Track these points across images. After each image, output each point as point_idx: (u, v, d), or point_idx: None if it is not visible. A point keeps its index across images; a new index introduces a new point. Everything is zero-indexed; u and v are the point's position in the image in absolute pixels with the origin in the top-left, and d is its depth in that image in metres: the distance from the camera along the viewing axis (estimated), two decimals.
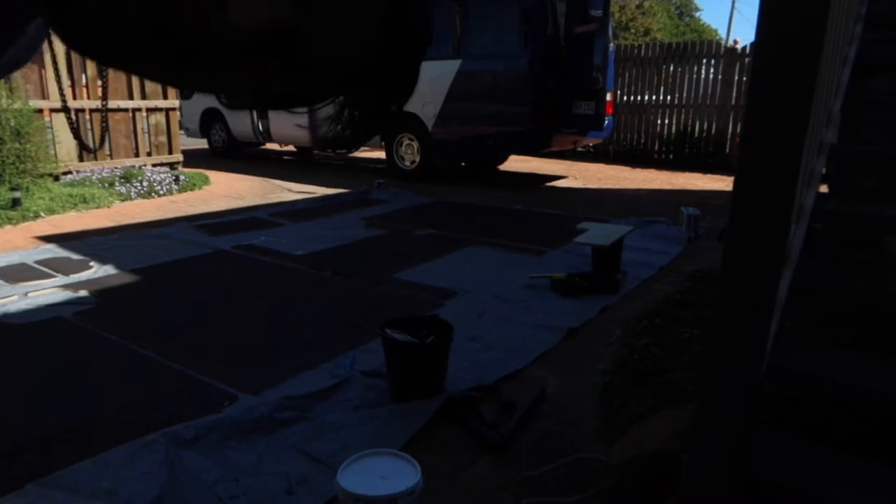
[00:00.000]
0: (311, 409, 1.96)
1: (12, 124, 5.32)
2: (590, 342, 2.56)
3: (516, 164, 8.77)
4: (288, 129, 8.20)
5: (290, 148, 10.77)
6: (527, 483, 1.63)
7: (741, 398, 1.15)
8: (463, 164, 8.03)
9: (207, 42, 0.32)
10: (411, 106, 7.03)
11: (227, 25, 0.32)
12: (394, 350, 2.02)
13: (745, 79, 8.08)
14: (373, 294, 3.17)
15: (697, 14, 34.16)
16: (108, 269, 3.46)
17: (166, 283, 3.26)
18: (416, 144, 7.10)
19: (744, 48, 8.17)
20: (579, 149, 8.83)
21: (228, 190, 6.50)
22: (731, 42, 9.76)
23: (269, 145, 10.27)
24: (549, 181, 7.40)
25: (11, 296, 2.98)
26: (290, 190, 6.51)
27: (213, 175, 7.37)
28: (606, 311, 2.92)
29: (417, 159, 7.14)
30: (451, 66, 6.70)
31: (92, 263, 3.56)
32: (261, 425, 1.84)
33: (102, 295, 3.04)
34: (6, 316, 2.75)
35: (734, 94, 8.27)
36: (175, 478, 1.57)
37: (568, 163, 9.23)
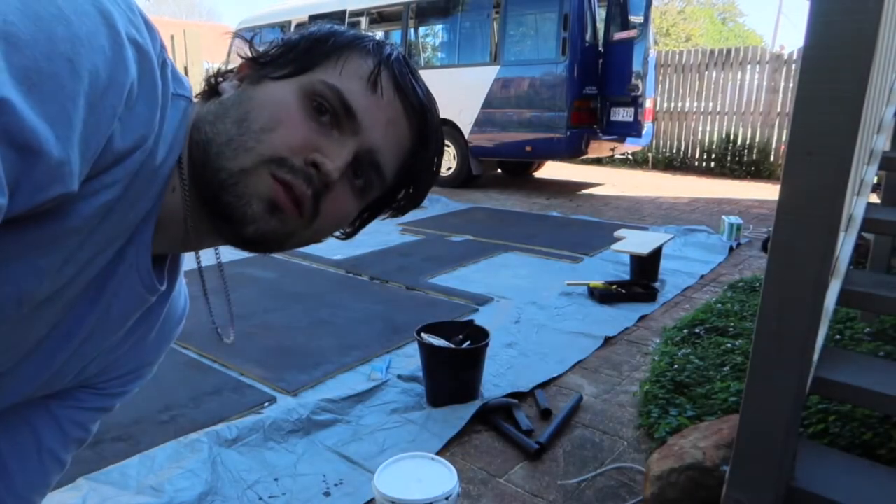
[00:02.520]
0: (348, 412, 1.99)
1: None
2: (628, 351, 2.53)
3: (553, 170, 8.73)
4: None
5: None
6: (563, 491, 1.62)
7: (785, 411, 1.12)
8: (499, 170, 8.03)
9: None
10: (448, 112, 7.07)
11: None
12: (430, 354, 2.03)
13: (791, 85, 7.89)
14: (409, 299, 3.19)
15: (741, 20, 33.49)
16: None
17: (208, 286, 3.33)
18: (452, 150, 7.13)
19: (790, 54, 7.98)
20: (617, 156, 8.74)
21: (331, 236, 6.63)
22: (776, 48, 9.55)
23: None
24: (587, 188, 7.34)
25: None
26: None
27: None
28: (645, 320, 2.88)
29: (454, 165, 7.16)
30: (488, 73, 6.72)
31: None
32: (299, 427, 1.87)
33: None
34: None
35: (780, 101, 8.07)
36: (217, 476, 1.61)
37: (606, 170, 9.15)
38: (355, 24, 8.12)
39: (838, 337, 2.30)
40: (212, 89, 0.62)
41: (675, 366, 2.19)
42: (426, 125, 0.64)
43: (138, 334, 0.71)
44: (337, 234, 0.67)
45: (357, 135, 0.58)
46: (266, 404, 2.05)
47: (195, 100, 0.59)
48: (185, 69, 7.18)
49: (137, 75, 0.47)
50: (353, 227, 0.70)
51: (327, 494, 1.60)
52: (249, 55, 0.62)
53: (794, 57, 7.86)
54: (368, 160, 0.60)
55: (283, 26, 8.78)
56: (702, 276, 3.57)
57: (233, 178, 0.54)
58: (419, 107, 0.63)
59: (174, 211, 0.57)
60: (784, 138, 8.06)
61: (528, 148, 6.57)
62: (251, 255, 3.93)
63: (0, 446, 0.70)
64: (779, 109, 8.07)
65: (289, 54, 0.60)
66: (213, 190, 0.55)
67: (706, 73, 8.67)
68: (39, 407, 0.71)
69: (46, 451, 0.72)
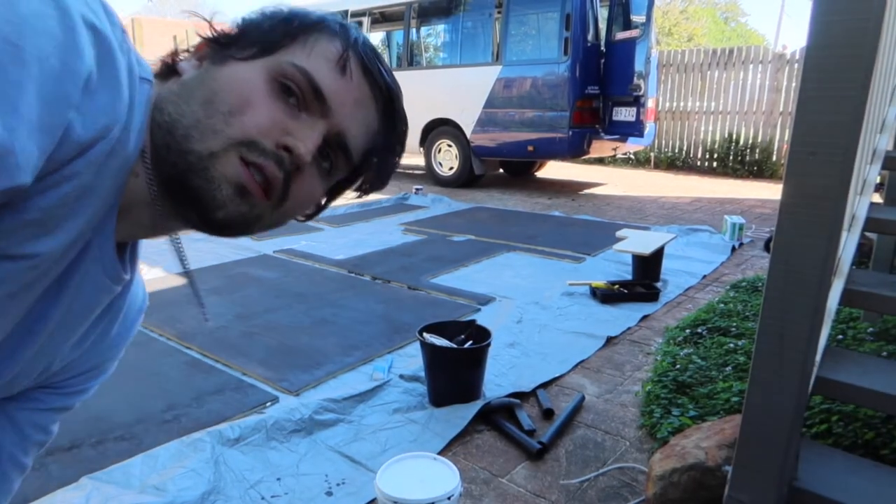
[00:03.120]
0: (350, 412, 1.99)
1: None
2: (630, 351, 2.53)
3: (555, 170, 8.73)
4: None
5: None
6: (565, 491, 1.62)
7: (788, 411, 1.12)
8: (501, 170, 8.03)
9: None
10: (450, 112, 7.08)
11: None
12: (432, 354, 2.03)
13: (794, 85, 7.87)
14: (411, 298, 3.19)
15: (743, 19, 33.42)
16: (158, 272, 3.57)
17: (211, 286, 3.34)
18: (454, 150, 7.13)
19: (792, 54, 7.97)
20: (619, 155, 8.74)
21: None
22: (779, 48, 9.52)
23: None
24: (589, 188, 7.34)
25: None
26: None
27: None
28: (647, 320, 2.88)
29: (456, 165, 7.16)
30: (490, 73, 6.72)
31: (141, 265, 3.67)
32: (302, 426, 1.88)
33: (151, 296, 3.12)
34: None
35: (782, 101, 8.06)
36: (220, 475, 1.61)
37: (608, 169, 9.14)
38: (357, 25, 8.12)
39: (841, 337, 2.30)
40: (169, 68, 0.60)
41: (678, 366, 2.19)
42: (392, 108, 0.64)
43: (101, 328, 0.69)
44: (299, 216, 0.66)
45: (326, 117, 0.58)
46: (268, 404, 2.05)
47: (153, 80, 0.57)
48: None
49: (96, 61, 0.45)
50: (316, 209, 0.69)
51: (329, 494, 1.60)
52: (209, 34, 0.60)
53: (797, 57, 7.85)
54: (337, 142, 0.60)
55: None
56: (704, 276, 3.56)
57: (202, 162, 0.53)
58: (386, 89, 0.62)
59: (136, 196, 0.55)
60: (787, 138, 8.05)
61: (530, 148, 6.57)
62: (253, 254, 3.94)
63: None
64: (781, 109, 8.06)
65: (252, 34, 0.58)
66: (181, 174, 0.53)
67: (708, 72, 8.66)
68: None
69: (7, 456, 0.70)
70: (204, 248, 4.14)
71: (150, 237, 0.64)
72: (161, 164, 0.54)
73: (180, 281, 3.43)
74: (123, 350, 0.78)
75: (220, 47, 0.59)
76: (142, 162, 0.54)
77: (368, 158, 0.65)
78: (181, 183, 0.53)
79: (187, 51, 0.61)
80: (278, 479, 1.65)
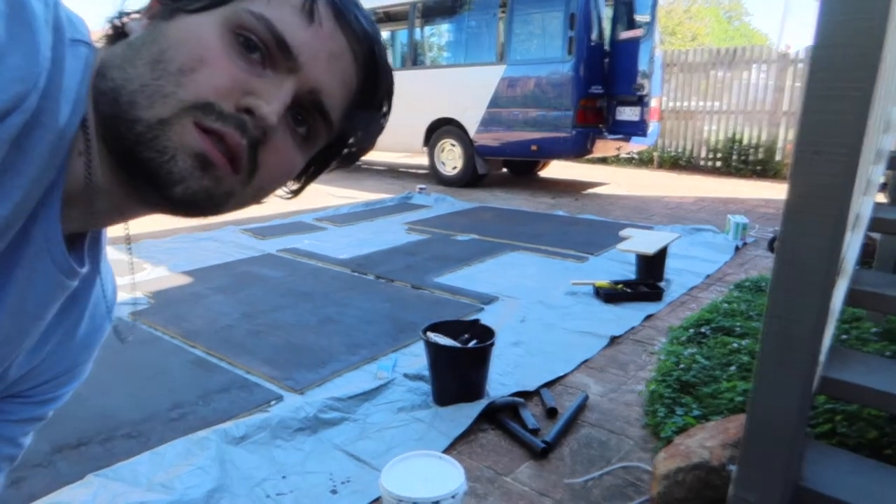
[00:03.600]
0: (354, 410, 2.00)
1: None
2: (633, 350, 2.53)
3: (559, 169, 8.72)
4: None
5: None
6: (570, 490, 1.62)
7: (793, 411, 1.12)
8: (505, 169, 8.03)
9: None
10: (453, 112, 7.08)
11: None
12: (436, 354, 2.03)
13: (797, 84, 7.86)
14: (415, 298, 3.20)
15: (746, 19, 33.34)
16: (162, 271, 3.59)
17: (216, 285, 3.35)
18: (457, 150, 7.14)
19: (796, 53, 7.95)
20: (623, 155, 8.73)
21: (274, 195, 6.64)
22: (782, 47, 9.51)
23: None
24: (592, 187, 7.34)
25: None
26: (333, 195, 6.62)
27: None
28: (651, 319, 2.88)
29: (459, 165, 7.17)
30: (494, 72, 6.72)
31: (146, 265, 3.69)
32: (306, 425, 1.88)
33: (157, 295, 3.15)
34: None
35: (786, 101, 8.05)
36: (226, 473, 1.62)
37: (611, 169, 9.14)
38: None
39: (845, 337, 2.29)
40: (116, 31, 0.52)
41: (681, 365, 2.19)
42: (373, 59, 0.55)
43: (64, 328, 0.62)
44: (281, 192, 0.59)
45: (295, 73, 0.50)
46: (273, 402, 2.06)
47: (97, 44, 0.49)
48: None
49: (2, 16, 0.38)
50: (300, 183, 0.62)
51: (334, 492, 1.61)
52: None
53: (800, 56, 7.83)
54: (311, 102, 0.52)
55: None
56: (708, 276, 3.56)
57: (151, 131, 0.45)
58: (364, 37, 0.54)
59: (84, 178, 0.48)
60: (790, 137, 8.03)
61: (533, 147, 6.57)
62: (258, 253, 3.94)
63: None
64: (785, 108, 8.05)
65: None
66: (128, 146, 0.46)
67: (712, 72, 8.65)
68: None
69: None
70: (210, 248, 4.15)
71: (110, 224, 0.57)
72: (108, 137, 0.47)
73: (186, 280, 3.44)
74: (96, 351, 0.72)
75: (172, 1, 0.51)
76: (84, 138, 0.47)
77: (351, 119, 0.57)
78: (132, 157, 0.46)
79: (138, 11, 0.53)
80: (284, 477, 1.66)
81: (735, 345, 2.32)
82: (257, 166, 0.51)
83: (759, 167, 8.22)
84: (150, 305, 3.01)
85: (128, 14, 0.52)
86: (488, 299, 3.13)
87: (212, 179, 0.48)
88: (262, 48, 0.49)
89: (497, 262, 3.88)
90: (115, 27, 0.52)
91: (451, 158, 7.27)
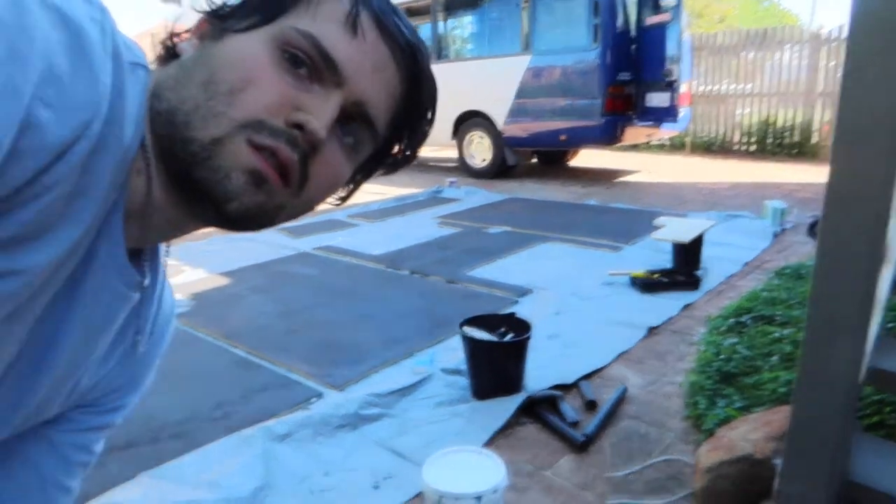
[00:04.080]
0: (394, 406, 2.02)
1: None
2: (672, 340, 2.51)
3: (589, 158, 8.63)
4: None
5: None
6: (611, 483, 1.62)
7: (839, 403, 1.10)
8: (534, 159, 7.99)
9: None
10: (480, 104, 7.06)
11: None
12: (473, 348, 2.04)
13: (832, 64, 7.63)
14: (449, 292, 3.21)
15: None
16: (201, 273, 3.67)
17: (254, 284, 3.42)
18: (486, 142, 7.12)
19: (829, 33, 7.72)
20: (654, 142, 8.60)
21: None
22: (814, 27, 9.25)
23: None
24: (623, 175, 7.25)
25: None
26: (364, 191, 6.63)
27: None
28: (689, 309, 2.84)
29: (488, 157, 7.15)
30: (520, 62, 6.68)
31: (185, 267, 3.78)
32: (347, 421, 1.91)
33: (197, 297, 3.22)
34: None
35: (821, 81, 7.82)
36: (270, 471, 1.66)
37: (642, 156, 9.01)
38: None
39: (892, 325, 2.23)
40: (168, 52, 0.54)
41: (722, 356, 2.16)
42: (417, 68, 0.57)
43: (129, 339, 0.64)
44: (329, 199, 0.60)
45: (341, 86, 0.52)
46: (313, 400, 2.09)
47: (151, 67, 0.51)
48: None
49: (62, 46, 0.39)
50: (348, 192, 0.64)
51: (377, 487, 1.63)
52: (207, 9, 0.54)
53: (834, 35, 7.60)
54: (357, 113, 0.54)
55: None
56: (746, 263, 3.50)
57: (205, 151, 0.47)
58: (407, 48, 0.55)
59: (144, 195, 0.50)
60: (827, 118, 7.81)
61: (562, 137, 6.52)
62: (293, 252, 4.00)
63: (1, 492, 0.64)
64: (820, 89, 7.82)
65: (252, 2, 0.53)
66: (185, 166, 0.48)
67: (743, 54, 8.45)
68: (36, 437, 0.65)
69: (51, 484, 0.66)
70: (245, 248, 4.23)
71: (166, 240, 0.60)
72: (164, 156, 0.49)
73: (224, 281, 3.51)
74: (158, 359, 0.74)
75: (219, 21, 0.53)
76: (143, 158, 0.49)
77: (396, 127, 0.59)
78: (187, 176, 0.48)
79: (188, 30, 0.55)
80: (326, 473, 1.69)
81: (776, 334, 2.28)
82: (307, 178, 0.52)
83: (794, 150, 8.02)
84: (191, 307, 3.08)
85: (178, 35, 0.54)
86: (523, 292, 3.12)
87: (265, 194, 0.50)
88: (309, 64, 0.50)
89: (530, 254, 3.87)
90: (166, 48, 0.54)
91: (479, 151, 7.26)
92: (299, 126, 0.49)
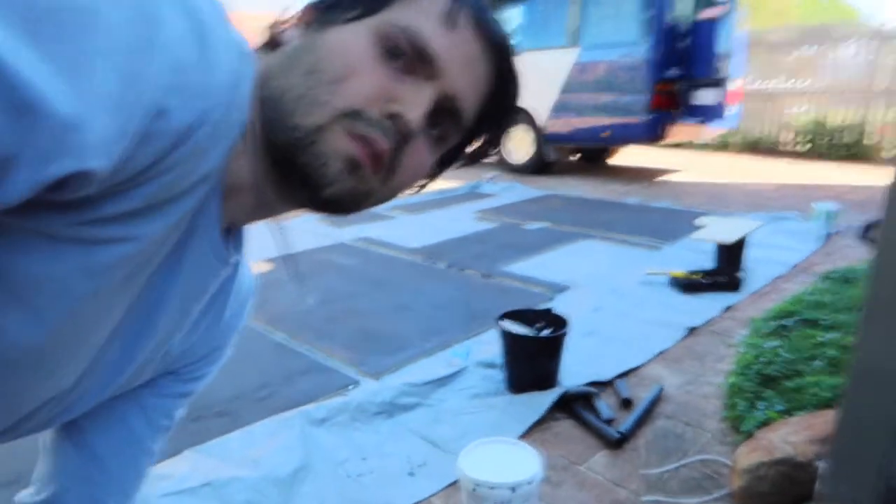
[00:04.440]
0: (429, 396, 2.05)
1: None
2: (712, 342, 2.47)
3: (631, 156, 8.51)
4: None
5: None
6: (646, 481, 1.62)
7: (889, 407, 1.08)
8: (574, 156, 7.91)
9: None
10: (523, 98, 6.99)
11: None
12: (510, 342, 2.05)
13: (894, 62, 7.34)
14: (486, 286, 3.22)
15: None
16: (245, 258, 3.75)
17: (295, 271, 3.49)
18: (527, 137, 7.08)
19: (892, 29, 7.42)
20: (699, 140, 8.42)
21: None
22: (878, 22, 8.91)
23: None
24: (666, 174, 7.13)
25: None
26: None
27: None
28: (730, 310, 2.79)
29: (528, 153, 7.11)
30: (565, 57, 6.61)
31: None
32: (383, 409, 1.95)
33: None
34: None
35: (881, 79, 7.53)
36: (309, 453, 1.70)
37: (687, 154, 8.84)
38: None
39: None
40: (273, 39, 0.56)
41: (763, 358, 2.12)
42: (507, 65, 0.59)
43: (214, 311, 0.69)
44: (410, 188, 0.63)
45: (435, 80, 0.54)
46: (351, 387, 2.13)
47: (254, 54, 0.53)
48: None
49: (190, 35, 0.41)
50: (426, 181, 0.65)
51: (412, 475, 1.66)
52: None
53: None
54: (448, 107, 0.56)
55: None
56: (792, 266, 3.41)
57: (309, 137, 0.50)
58: (499, 45, 0.57)
59: (242, 177, 0.53)
60: (885, 118, 7.52)
61: (604, 133, 6.44)
62: (333, 242, 4.07)
63: (99, 446, 0.69)
64: (879, 87, 7.53)
65: None
66: (288, 151, 0.51)
67: (798, 50, 8.19)
68: (129, 400, 0.70)
69: (138, 444, 0.71)
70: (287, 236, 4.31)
71: (252, 221, 0.63)
72: (266, 140, 0.51)
73: (267, 267, 3.60)
74: (236, 333, 0.79)
75: (324, 11, 0.55)
76: (243, 141, 0.51)
77: (481, 121, 0.60)
78: (289, 161, 0.51)
79: (292, 19, 0.57)
80: (363, 458, 1.73)
81: (821, 338, 2.23)
82: (396, 167, 0.54)
83: (848, 151, 7.75)
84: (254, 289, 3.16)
85: (284, 23, 0.57)
86: (560, 288, 3.12)
87: (357, 180, 0.53)
88: (406, 56, 0.53)
89: (568, 251, 3.85)
90: (272, 35, 0.57)
91: (520, 146, 7.22)
92: (394, 116, 0.52)
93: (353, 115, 0.51)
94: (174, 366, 0.71)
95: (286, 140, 0.51)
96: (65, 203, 0.40)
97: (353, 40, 0.52)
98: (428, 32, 0.53)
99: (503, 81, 0.59)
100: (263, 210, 0.59)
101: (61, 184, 0.37)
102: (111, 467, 0.70)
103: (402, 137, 0.53)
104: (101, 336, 0.55)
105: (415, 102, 0.52)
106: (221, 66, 0.44)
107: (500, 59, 0.58)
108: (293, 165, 0.51)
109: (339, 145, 0.51)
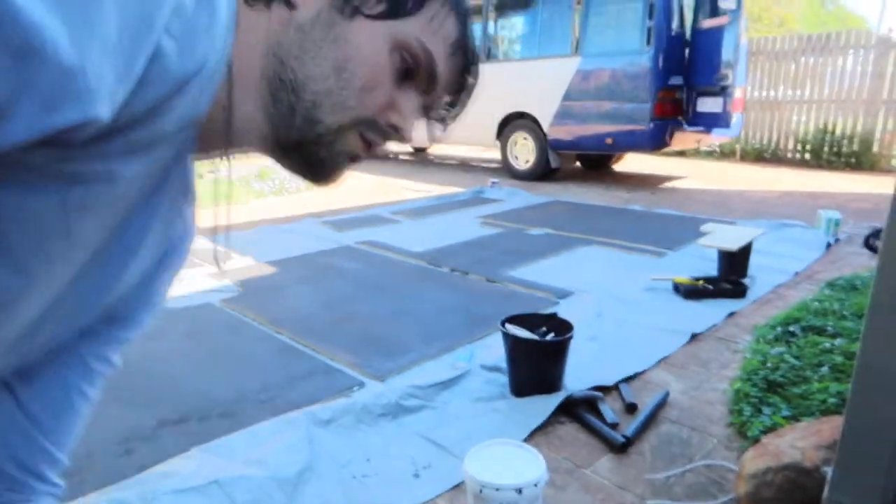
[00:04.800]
0: (433, 399, 2.05)
1: None
2: (716, 348, 2.47)
3: (634, 163, 8.52)
4: None
5: (407, 148, 11.10)
6: (651, 485, 1.61)
7: (894, 414, 1.08)
8: (578, 163, 7.92)
9: None
10: (527, 105, 7.04)
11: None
12: (514, 345, 2.05)
13: None
14: (489, 291, 3.22)
15: (843, 1, 31.32)
16: (248, 261, 3.77)
17: (298, 275, 3.49)
18: (530, 143, 7.10)
19: None
20: (703, 148, 8.43)
21: (350, 188, 6.83)
22: (883, 30, 8.91)
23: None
24: (669, 181, 7.13)
25: None
26: (407, 188, 6.73)
27: None
28: (734, 317, 2.79)
29: (532, 159, 7.12)
30: (569, 65, 6.64)
31: (234, 255, 3.89)
32: (388, 411, 1.95)
33: (244, 284, 3.32)
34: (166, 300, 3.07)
35: (886, 88, 7.53)
36: (314, 454, 1.70)
37: (691, 162, 8.85)
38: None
39: None
40: None
41: (769, 364, 2.12)
42: (470, 87, 0.65)
43: (161, 250, 0.67)
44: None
45: (427, 95, 0.60)
46: (355, 388, 2.13)
47: (251, 5, 0.52)
48: None
49: None
50: None
51: (417, 476, 1.66)
52: None
53: None
54: (426, 110, 0.63)
55: None
56: (796, 273, 3.41)
57: (330, 135, 0.54)
58: (474, 78, 0.63)
59: (217, 123, 0.53)
60: (891, 127, 7.52)
61: (608, 140, 6.45)
62: (336, 245, 4.08)
63: (34, 390, 0.69)
64: (885, 97, 7.53)
65: None
66: (307, 141, 0.54)
67: (802, 59, 8.20)
68: (69, 353, 0.69)
69: (74, 388, 0.71)
70: (291, 239, 4.32)
71: (211, 158, 0.62)
72: (282, 124, 0.54)
73: (270, 269, 3.60)
74: (174, 278, 0.77)
75: None
76: (225, 90, 0.50)
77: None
78: (306, 150, 0.55)
79: None
80: (368, 460, 1.73)
81: (827, 345, 2.22)
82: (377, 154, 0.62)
83: (852, 159, 7.74)
84: (239, 293, 3.17)
85: None
86: (563, 293, 3.11)
87: (350, 167, 0.60)
88: (415, 73, 0.57)
89: (571, 257, 3.85)
90: None
91: (523, 152, 7.24)
92: (395, 128, 0.58)
93: (369, 122, 0.56)
94: (114, 312, 0.69)
95: (307, 131, 0.54)
96: (54, 141, 0.39)
97: (379, 48, 0.54)
98: (440, 58, 0.57)
99: (464, 94, 0.65)
100: (221, 152, 0.60)
101: (61, 132, 0.36)
102: (45, 411, 0.70)
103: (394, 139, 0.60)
104: (66, 278, 0.54)
105: (411, 115, 0.59)
106: (220, 12, 0.44)
107: (471, 83, 0.64)
108: (307, 153, 0.56)
109: (351, 145, 0.57)
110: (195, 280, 3.37)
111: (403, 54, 0.55)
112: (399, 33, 0.54)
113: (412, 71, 0.56)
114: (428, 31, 0.56)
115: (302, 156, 0.57)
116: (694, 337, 2.56)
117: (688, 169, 8.09)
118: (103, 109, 0.37)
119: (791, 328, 2.45)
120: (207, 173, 0.70)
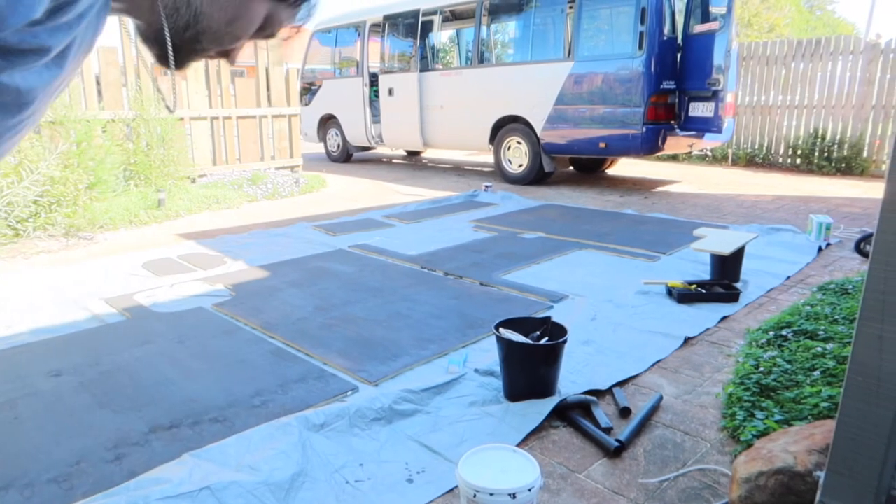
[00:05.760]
0: (427, 403, 2.04)
1: (159, 132, 5.88)
2: (709, 352, 2.47)
3: (627, 167, 8.55)
4: (400, 133, 8.47)
5: (401, 152, 11.10)
6: (645, 489, 1.61)
7: (887, 418, 1.08)
8: (571, 167, 7.94)
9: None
10: (520, 109, 7.05)
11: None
12: (508, 349, 2.05)
13: (889, 77, 7.40)
14: (483, 294, 3.22)
15: (830, 7, 31.57)
16: (240, 265, 3.75)
17: (291, 279, 3.48)
18: (524, 147, 7.11)
19: (888, 43, 7.48)
20: (696, 152, 8.47)
21: (343, 192, 6.82)
22: (872, 36, 8.98)
23: (381, 149, 10.63)
24: (662, 185, 7.16)
25: (160, 287, 3.31)
26: (400, 192, 6.73)
27: (329, 178, 7.77)
28: (727, 321, 2.80)
29: (525, 162, 7.13)
30: (562, 69, 6.66)
31: (226, 259, 3.87)
32: (382, 415, 1.94)
33: (236, 288, 3.30)
34: (157, 305, 3.06)
35: (875, 94, 7.59)
36: (307, 459, 1.69)
37: (683, 166, 8.88)
38: (429, 23, 8.22)
39: None
40: None
41: (761, 368, 2.13)
42: None
43: None
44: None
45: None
46: (349, 393, 2.13)
47: None
48: (267, 70, 7.46)
49: None
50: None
51: (410, 481, 1.65)
52: None
53: (893, 46, 7.38)
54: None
55: (358, 27, 8.99)
56: (788, 277, 3.43)
57: (203, 52, 0.69)
58: None
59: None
60: (880, 132, 7.58)
61: (601, 144, 6.47)
62: (329, 249, 4.06)
63: None
64: (874, 102, 7.59)
65: None
66: (183, 47, 0.66)
67: (792, 64, 8.26)
68: None
69: None
70: (283, 243, 4.31)
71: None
72: (176, 29, 0.65)
73: (262, 274, 3.59)
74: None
75: None
76: None
77: None
78: (177, 49, 0.67)
79: None
80: (361, 464, 1.72)
81: (819, 349, 2.23)
82: None
83: (843, 164, 7.80)
84: (231, 297, 3.16)
85: None
86: (557, 297, 3.12)
87: None
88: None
89: (565, 261, 3.86)
90: None
91: (516, 156, 7.25)
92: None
93: (227, 52, 0.72)
94: None
95: (188, 42, 0.66)
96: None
97: (260, 16, 0.69)
98: (284, 21, 0.73)
99: None
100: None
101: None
102: None
103: None
104: None
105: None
106: None
107: None
108: (177, 51, 0.67)
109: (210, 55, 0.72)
110: (187, 285, 3.35)
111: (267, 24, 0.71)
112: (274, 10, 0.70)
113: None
114: (290, 14, 0.72)
115: (172, 50, 0.67)
116: (687, 341, 2.57)
117: (680, 173, 8.12)
118: (42, 5, 0.47)
119: (783, 332, 2.46)
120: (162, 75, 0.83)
